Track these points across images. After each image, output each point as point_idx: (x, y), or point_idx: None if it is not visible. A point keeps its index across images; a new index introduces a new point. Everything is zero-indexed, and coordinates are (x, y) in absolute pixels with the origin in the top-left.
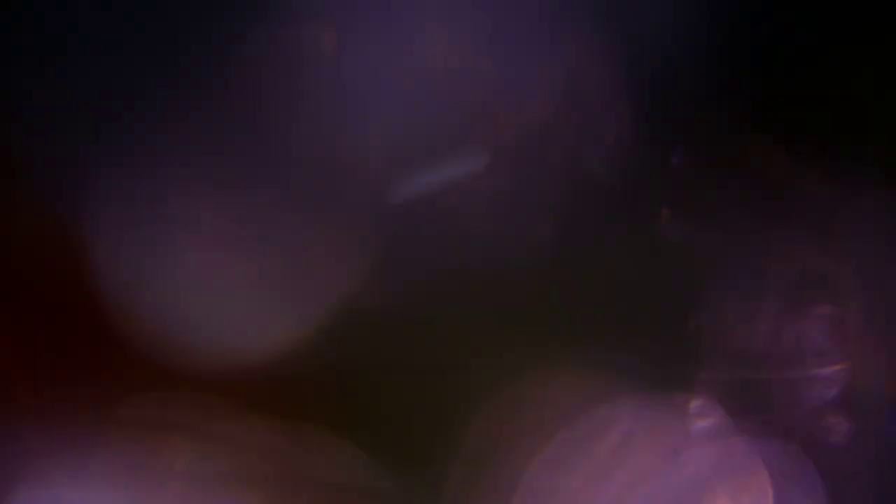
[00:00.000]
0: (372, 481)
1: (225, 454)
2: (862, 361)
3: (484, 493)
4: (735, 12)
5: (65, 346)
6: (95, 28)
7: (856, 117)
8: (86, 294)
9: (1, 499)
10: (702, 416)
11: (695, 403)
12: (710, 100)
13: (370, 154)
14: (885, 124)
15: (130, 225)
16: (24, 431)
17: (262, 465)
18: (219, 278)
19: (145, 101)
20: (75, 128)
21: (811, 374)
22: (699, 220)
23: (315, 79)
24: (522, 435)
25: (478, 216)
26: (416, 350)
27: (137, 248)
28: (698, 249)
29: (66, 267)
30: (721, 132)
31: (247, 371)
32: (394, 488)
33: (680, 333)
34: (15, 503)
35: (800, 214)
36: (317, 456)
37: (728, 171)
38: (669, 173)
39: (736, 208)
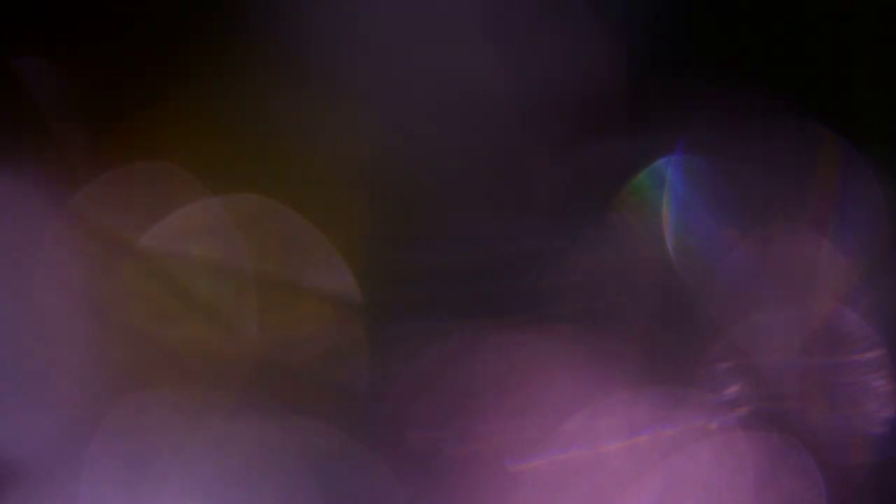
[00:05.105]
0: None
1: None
2: (863, 357)
3: (489, 487)
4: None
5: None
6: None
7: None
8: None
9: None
10: (702, 410)
11: (695, 396)
12: (713, 92)
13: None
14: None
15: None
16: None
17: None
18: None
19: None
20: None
21: (811, 370)
22: (702, 211)
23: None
24: (527, 430)
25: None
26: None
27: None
28: (699, 240)
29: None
30: (725, 120)
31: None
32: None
33: (682, 325)
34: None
35: (803, 204)
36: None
37: (732, 160)
38: (671, 160)
39: (738, 198)
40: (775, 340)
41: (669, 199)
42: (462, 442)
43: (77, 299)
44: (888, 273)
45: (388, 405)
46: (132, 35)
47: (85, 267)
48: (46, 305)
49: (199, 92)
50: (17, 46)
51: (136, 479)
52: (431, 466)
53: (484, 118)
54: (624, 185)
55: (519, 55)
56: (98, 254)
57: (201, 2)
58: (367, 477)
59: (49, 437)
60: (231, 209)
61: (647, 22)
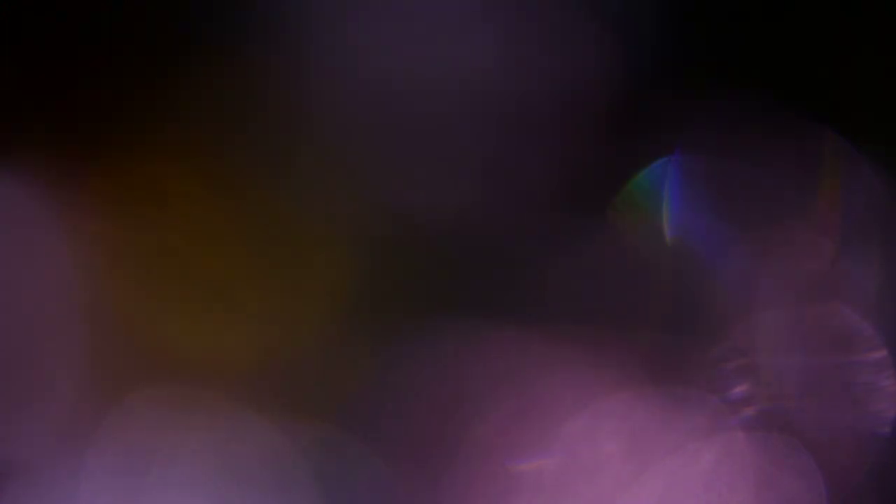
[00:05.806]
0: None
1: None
2: (863, 357)
3: (489, 488)
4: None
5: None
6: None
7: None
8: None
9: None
10: (703, 409)
11: (696, 397)
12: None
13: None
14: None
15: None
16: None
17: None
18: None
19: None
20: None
21: (812, 370)
22: (702, 211)
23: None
24: (528, 430)
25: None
26: (412, 349)
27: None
28: (699, 240)
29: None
30: (726, 121)
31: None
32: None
33: (682, 326)
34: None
35: (803, 204)
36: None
37: (733, 159)
38: (671, 161)
39: (738, 199)
40: (776, 341)
41: (669, 200)
42: (462, 442)
43: (76, 300)
44: (889, 273)
45: (388, 405)
46: (131, 35)
47: (83, 268)
48: (45, 306)
49: (200, 93)
50: (16, 46)
51: (136, 481)
52: (432, 467)
53: (483, 118)
54: (624, 185)
55: (518, 56)
56: (96, 255)
57: (201, 2)
58: (367, 477)
59: (48, 438)
60: (230, 210)
61: (646, 22)
